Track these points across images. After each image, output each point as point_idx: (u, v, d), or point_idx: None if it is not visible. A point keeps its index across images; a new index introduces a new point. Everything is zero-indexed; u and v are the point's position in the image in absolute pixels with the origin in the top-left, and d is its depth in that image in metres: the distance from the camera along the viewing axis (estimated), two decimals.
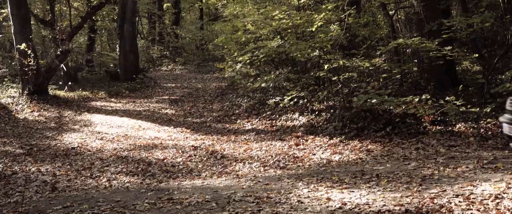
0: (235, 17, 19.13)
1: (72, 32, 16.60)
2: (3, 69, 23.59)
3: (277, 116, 10.50)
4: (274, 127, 9.83)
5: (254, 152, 7.96)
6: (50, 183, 6.63)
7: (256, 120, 10.78)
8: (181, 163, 7.49)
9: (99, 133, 10.71)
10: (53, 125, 12.66)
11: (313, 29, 9.83)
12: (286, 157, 7.33)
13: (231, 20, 18.27)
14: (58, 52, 16.37)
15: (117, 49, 22.87)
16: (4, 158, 8.63)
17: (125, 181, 6.56)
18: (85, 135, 10.66)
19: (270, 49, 10.99)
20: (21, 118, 13.62)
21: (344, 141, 7.92)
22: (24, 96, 15.76)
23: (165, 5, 31.21)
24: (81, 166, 7.60)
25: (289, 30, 11.64)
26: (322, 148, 7.67)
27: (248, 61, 12.65)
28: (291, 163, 6.97)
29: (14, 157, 8.66)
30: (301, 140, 8.37)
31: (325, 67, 9.68)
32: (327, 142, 8.06)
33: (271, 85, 11.49)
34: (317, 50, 9.46)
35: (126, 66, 20.31)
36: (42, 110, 14.53)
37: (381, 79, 10.36)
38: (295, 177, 5.77)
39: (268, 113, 10.88)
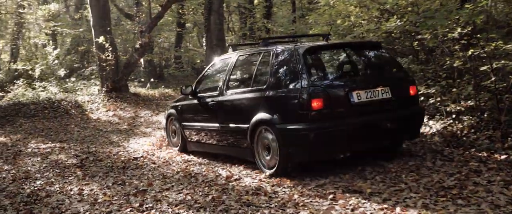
0: (331, 7, 16.84)
1: (151, 24, 15.04)
2: (91, 66, 22.94)
3: None
4: None
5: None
6: None
7: None
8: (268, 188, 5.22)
9: None
10: (125, 126, 10.99)
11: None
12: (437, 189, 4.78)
13: (329, 9, 15.92)
14: (137, 46, 14.87)
15: (204, 44, 21.29)
16: (51, 170, 6.89)
17: None
18: (155, 140, 8.77)
19: (384, 32, 8.46)
20: (94, 118, 12.14)
21: None
22: (102, 94, 14.39)
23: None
24: (135, 187, 5.58)
25: (410, 8, 9.02)
26: (492, 172, 4.99)
27: None
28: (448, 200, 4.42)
29: (62, 169, 6.89)
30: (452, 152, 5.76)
31: (468, 52, 6.96)
32: (489, 160, 5.39)
33: None
34: (459, 28, 6.76)
35: None
36: (118, 109, 13.01)
37: None
38: None
39: None
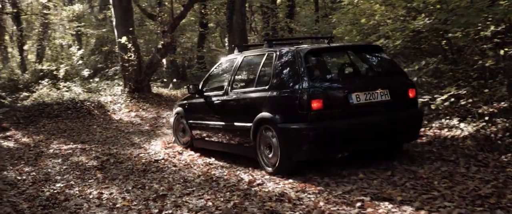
0: (355, 6, 16.51)
1: (174, 23, 14.94)
2: (115, 67, 23.05)
3: (426, 122, 7.59)
4: (424, 138, 6.97)
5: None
6: None
7: None
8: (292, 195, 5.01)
9: None
10: (147, 127, 10.90)
11: None
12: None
13: (353, 8, 15.60)
14: (160, 46, 14.80)
15: (226, 44, 21.14)
16: (71, 172, 6.80)
17: None
18: (165, 140, 8.64)
19: (412, 31, 8.19)
20: (116, 118, 12.10)
21: None
22: (125, 95, 14.37)
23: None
24: (154, 191, 5.42)
25: (438, 6, 8.69)
26: None
27: None
28: None
29: (82, 171, 6.79)
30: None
31: (501, 51, 6.66)
32: None
33: (415, 79, 8.56)
34: (492, 26, 6.45)
35: None
36: (140, 110, 12.95)
37: None
38: None
39: None
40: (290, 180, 5.47)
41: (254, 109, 5.95)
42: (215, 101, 6.88)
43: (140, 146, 8.46)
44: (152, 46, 21.23)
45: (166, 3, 16.88)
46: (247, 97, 6.26)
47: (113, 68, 23.45)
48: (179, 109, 8.03)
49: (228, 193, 5.19)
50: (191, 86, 7.50)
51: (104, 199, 5.30)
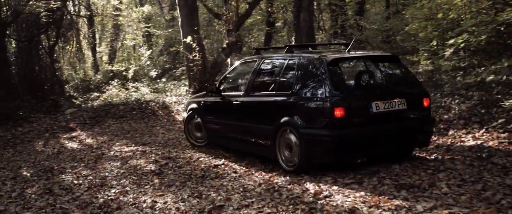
0: (431, 0, 15.40)
1: (238, 22, 14.54)
2: (182, 67, 23.13)
3: None
4: None
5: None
6: None
7: (482, 131, 7.07)
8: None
9: None
10: None
11: None
12: None
13: (428, 3, 14.54)
14: (224, 45, 14.50)
15: (294, 43, 20.56)
16: (128, 177, 6.51)
17: None
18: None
19: (501, 23, 7.28)
20: (179, 119, 11.87)
21: None
22: (189, 95, 14.18)
23: None
24: (211, 202, 4.98)
25: None
26: None
27: (462, 45, 9.01)
28: None
29: (139, 176, 6.48)
30: None
31: None
32: None
33: (504, 78, 7.60)
34: None
35: None
36: None
37: None
38: None
39: (501, 120, 7.05)
40: (362, 192, 4.84)
41: (275, 112, 6.18)
42: (234, 102, 7.06)
43: (201, 150, 8.09)
44: (219, 46, 21.06)
45: (232, 2, 16.57)
46: (268, 100, 6.42)
47: (180, 69, 23.54)
48: (193, 105, 8.27)
49: (291, 206, 4.64)
50: (208, 85, 7.81)
51: (157, 209, 4.92)
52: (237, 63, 7.86)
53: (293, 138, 5.86)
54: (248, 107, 6.81)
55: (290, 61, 6.35)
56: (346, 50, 6.34)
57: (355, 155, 5.93)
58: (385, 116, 5.69)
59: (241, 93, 7.00)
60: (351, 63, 6.41)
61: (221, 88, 7.57)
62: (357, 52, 7.08)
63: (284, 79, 6.35)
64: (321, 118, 5.50)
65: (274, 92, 6.37)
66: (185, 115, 8.55)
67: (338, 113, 5.39)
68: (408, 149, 6.28)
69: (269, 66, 6.94)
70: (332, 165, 5.86)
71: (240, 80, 7.43)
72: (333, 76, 5.66)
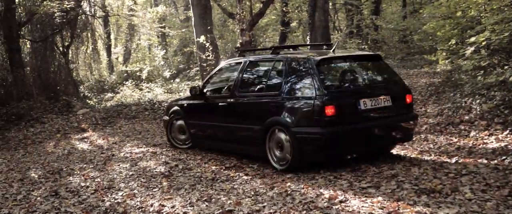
0: None
1: (252, 21, 14.33)
2: (196, 67, 22.98)
3: None
4: None
5: None
6: None
7: (506, 133, 6.75)
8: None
9: None
10: None
11: None
12: None
13: (447, 1, 14.17)
14: (238, 44, 14.28)
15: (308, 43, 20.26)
16: (137, 179, 6.32)
17: None
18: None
19: None
20: None
21: None
22: None
23: None
24: (220, 206, 4.75)
25: None
26: None
27: (484, 43, 8.66)
28: None
29: (148, 179, 6.28)
30: None
31: None
32: None
33: None
34: None
35: None
36: None
37: None
38: None
39: None
40: (379, 197, 4.57)
41: (263, 112, 6.24)
42: (220, 103, 7.11)
43: (212, 151, 7.88)
44: (233, 46, 20.86)
45: (246, 1, 16.36)
46: (256, 100, 6.50)
47: (194, 69, 23.41)
48: (175, 108, 8.19)
49: (304, 211, 4.40)
50: (191, 88, 7.81)
51: (164, 213, 4.71)
52: (221, 64, 7.86)
53: (283, 136, 5.95)
54: (235, 107, 6.87)
55: (277, 62, 6.45)
56: (332, 51, 6.45)
57: (346, 152, 6.12)
58: (372, 113, 5.87)
59: (228, 94, 7.04)
60: (337, 63, 6.41)
61: (205, 90, 7.59)
62: (341, 51, 7.14)
63: (272, 79, 6.44)
64: (312, 116, 5.62)
65: (261, 92, 6.46)
66: (166, 117, 8.47)
67: (329, 111, 5.52)
68: (393, 144, 6.57)
69: (255, 67, 7.02)
70: (323, 162, 5.99)
71: (225, 82, 7.42)
72: (322, 76, 5.80)
